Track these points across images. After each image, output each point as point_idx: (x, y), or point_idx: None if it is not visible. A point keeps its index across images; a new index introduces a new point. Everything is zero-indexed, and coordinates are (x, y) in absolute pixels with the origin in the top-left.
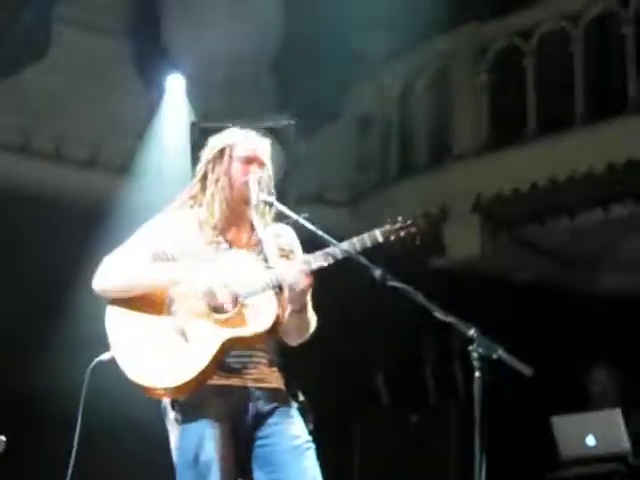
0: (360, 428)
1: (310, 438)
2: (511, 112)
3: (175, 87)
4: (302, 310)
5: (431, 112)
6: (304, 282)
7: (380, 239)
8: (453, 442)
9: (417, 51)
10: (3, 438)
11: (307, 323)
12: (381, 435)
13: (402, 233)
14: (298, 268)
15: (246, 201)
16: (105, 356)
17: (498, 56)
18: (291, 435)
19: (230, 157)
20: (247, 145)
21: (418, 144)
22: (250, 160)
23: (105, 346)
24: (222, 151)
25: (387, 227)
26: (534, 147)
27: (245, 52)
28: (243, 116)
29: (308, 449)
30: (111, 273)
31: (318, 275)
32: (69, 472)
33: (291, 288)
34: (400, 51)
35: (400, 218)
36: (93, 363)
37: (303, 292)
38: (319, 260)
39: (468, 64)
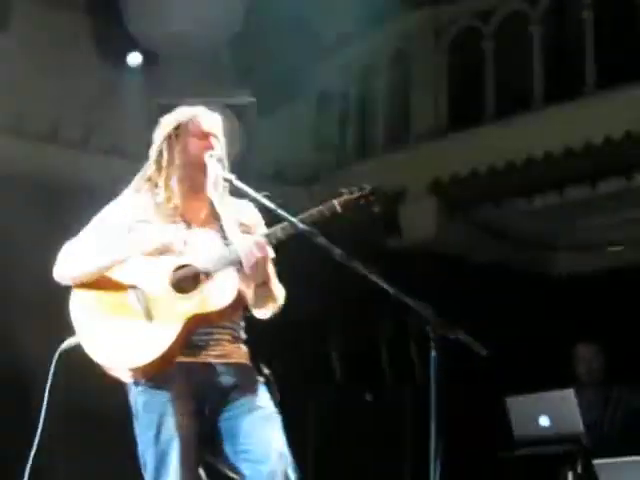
0: (315, 407)
1: (276, 409)
2: (469, 94)
3: (134, 64)
4: (265, 283)
5: (390, 93)
6: (260, 254)
7: (338, 209)
8: (409, 421)
9: (377, 31)
10: None
11: (272, 296)
12: (336, 414)
13: (360, 202)
14: (253, 240)
15: (205, 177)
16: (71, 341)
17: (457, 38)
18: (256, 406)
19: (185, 134)
20: (201, 121)
21: (376, 125)
22: (205, 135)
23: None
24: (176, 129)
25: (345, 197)
26: (491, 129)
27: (205, 29)
28: (202, 93)
29: (274, 419)
30: (67, 262)
31: (276, 251)
32: (29, 462)
33: (247, 260)
34: (360, 31)
35: (357, 187)
36: (59, 349)
37: (260, 265)
38: (278, 233)
39: (427, 45)
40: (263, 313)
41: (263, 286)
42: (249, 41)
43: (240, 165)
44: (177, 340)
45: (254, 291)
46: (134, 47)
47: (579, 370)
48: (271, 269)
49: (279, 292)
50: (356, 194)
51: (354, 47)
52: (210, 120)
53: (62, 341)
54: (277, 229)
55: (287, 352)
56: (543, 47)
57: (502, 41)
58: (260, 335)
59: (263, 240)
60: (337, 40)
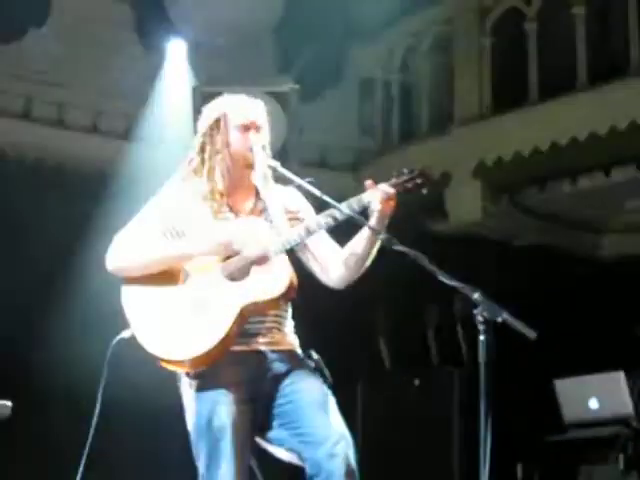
0: (362, 392)
1: (329, 392)
2: (513, 77)
3: (176, 52)
4: (380, 232)
5: (433, 77)
6: (392, 200)
7: (392, 191)
8: (456, 406)
9: (419, 16)
10: (9, 403)
11: (374, 250)
12: (383, 399)
13: (409, 185)
14: (383, 189)
15: (249, 168)
16: (126, 333)
17: (500, 20)
18: (310, 390)
19: (226, 126)
20: (242, 112)
21: (420, 109)
22: (247, 127)
23: (118, 323)
24: (217, 121)
25: (393, 180)
26: (536, 111)
27: (246, 17)
28: (245, 81)
29: (329, 401)
30: (124, 252)
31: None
32: (86, 451)
33: (384, 204)
34: (402, 16)
35: (406, 170)
36: (115, 340)
37: (390, 210)
38: (329, 219)
39: (470, 29)
40: (353, 273)
41: (376, 237)
42: (291, 27)
43: (284, 152)
44: (232, 329)
45: (360, 246)
46: (176, 35)
47: None
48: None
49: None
50: (404, 177)
51: (396, 31)
52: (253, 109)
53: (115, 334)
54: (331, 213)
55: (335, 338)
56: (587, 27)
57: (545, 22)
58: (309, 321)
59: (390, 191)
60: (379, 24)
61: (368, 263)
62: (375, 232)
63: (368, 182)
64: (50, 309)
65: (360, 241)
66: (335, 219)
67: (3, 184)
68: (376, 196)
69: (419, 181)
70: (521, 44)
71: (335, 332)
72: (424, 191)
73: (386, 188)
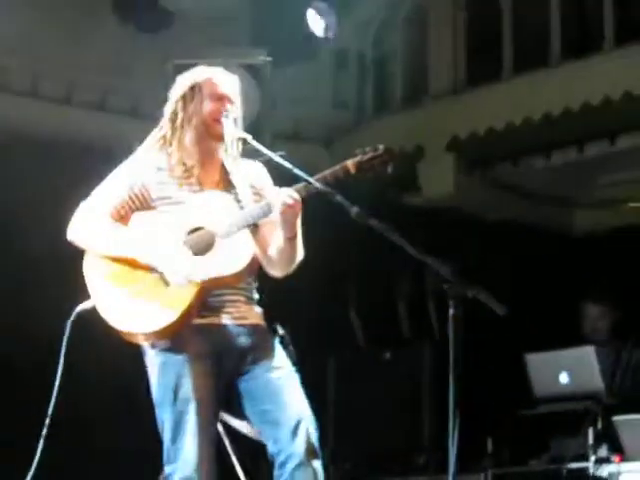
0: (334, 365)
1: (293, 368)
2: (487, 51)
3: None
4: (293, 238)
5: (407, 50)
6: (295, 206)
7: (352, 169)
8: (426, 380)
9: None
10: None
11: (296, 252)
12: (355, 372)
13: (374, 162)
14: (288, 193)
15: (219, 139)
16: (86, 304)
17: None
18: (274, 367)
19: (200, 95)
20: (216, 82)
21: (394, 82)
22: (221, 97)
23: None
24: (192, 89)
25: (358, 157)
26: (510, 86)
27: None
28: (218, 53)
29: (293, 378)
30: (78, 230)
31: None
32: (46, 422)
33: (284, 212)
34: None
35: (371, 148)
36: (74, 313)
37: (294, 217)
38: (300, 192)
39: (444, 2)
40: (280, 271)
41: (290, 241)
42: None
43: (257, 124)
44: (193, 303)
45: (280, 247)
46: (150, 7)
47: (585, 328)
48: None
49: (301, 250)
50: (369, 155)
51: (371, 3)
52: (226, 81)
53: (76, 305)
54: (299, 187)
55: (305, 312)
56: (561, 2)
57: None
58: (278, 296)
59: (297, 194)
60: None
61: (288, 263)
62: (285, 237)
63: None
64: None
65: (277, 243)
66: (301, 193)
67: None
68: (278, 201)
69: (384, 158)
70: (495, 18)
71: (307, 306)
72: (388, 170)
73: (289, 194)
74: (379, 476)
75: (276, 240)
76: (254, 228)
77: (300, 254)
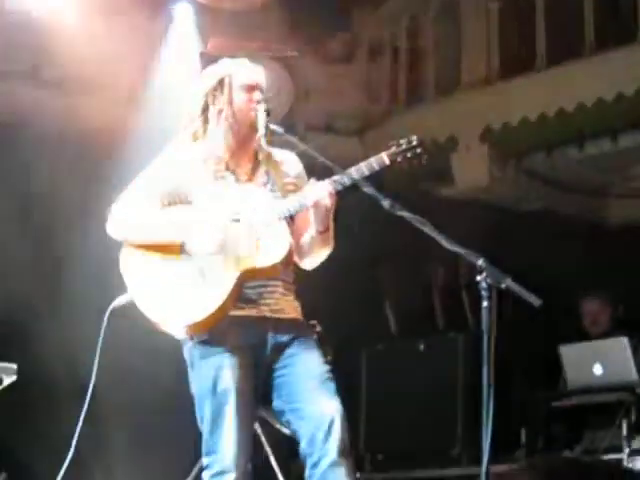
0: (367, 356)
1: (328, 368)
2: (520, 41)
3: (183, 16)
4: (326, 231)
5: (440, 41)
6: (329, 201)
7: (387, 161)
8: (460, 371)
9: None
10: (14, 365)
11: (327, 246)
12: (388, 363)
13: (408, 154)
14: (322, 187)
15: (252, 129)
16: (122, 298)
17: None
18: (310, 365)
19: (230, 86)
20: (246, 73)
21: (427, 73)
22: (252, 88)
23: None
24: (221, 81)
25: (393, 149)
26: (543, 77)
27: None
28: (251, 46)
29: (327, 379)
30: (123, 224)
31: None
32: (82, 416)
33: (317, 206)
34: None
35: (405, 140)
36: (110, 307)
37: (328, 211)
38: (335, 183)
39: None
40: (312, 263)
41: (322, 235)
42: None
43: (290, 117)
44: (230, 295)
45: (313, 239)
46: None
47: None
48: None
49: (332, 243)
50: (404, 146)
51: None
52: (254, 72)
53: (113, 298)
54: (333, 180)
55: (340, 304)
56: None
57: None
58: (313, 288)
59: (331, 188)
60: None
61: (317, 257)
62: (317, 231)
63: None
64: (58, 277)
65: (310, 235)
66: (336, 186)
67: (8, 143)
68: (311, 194)
69: (418, 150)
70: (529, 9)
71: (340, 297)
72: (422, 161)
73: (322, 186)
74: (412, 467)
75: (309, 232)
76: (290, 219)
77: (330, 248)
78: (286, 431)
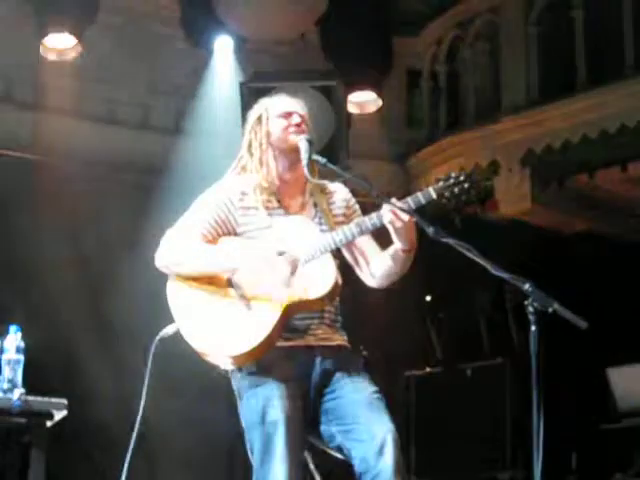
0: (416, 381)
1: (377, 389)
2: (560, 64)
3: (223, 48)
4: (410, 251)
5: (480, 66)
6: (405, 220)
7: (434, 196)
8: (508, 395)
9: (465, 4)
10: (65, 401)
11: (407, 265)
12: (436, 388)
13: (456, 189)
14: (396, 207)
15: (295, 153)
16: (169, 329)
17: (547, 7)
18: (360, 387)
19: (267, 117)
20: (282, 102)
21: (468, 98)
22: (289, 114)
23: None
24: (259, 117)
25: (440, 184)
26: (584, 99)
27: (292, 11)
28: (291, 76)
29: (377, 399)
30: (172, 255)
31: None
32: (131, 447)
33: (395, 226)
34: (448, 5)
35: (453, 174)
36: (157, 337)
37: (409, 229)
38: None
39: (516, 17)
40: (386, 282)
41: (406, 254)
42: (337, 19)
43: (332, 145)
44: (276, 327)
45: (395, 258)
46: (223, 31)
47: None
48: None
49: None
50: (451, 181)
51: (443, 21)
52: (294, 102)
53: (161, 329)
54: (378, 214)
55: (385, 329)
56: (634, 14)
57: (591, 9)
58: (359, 318)
59: (405, 207)
60: (425, 15)
61: (398, 274)
62: (401, 249)
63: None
64: (101, 307)
65: (387, 256)
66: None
67: (56, 182)
68: (387, 215)
69: (466, 185)
70: (568, 31)
71: (385, 322)
72: (471, 197)
73: (398, 207)
74: None
75: (382, 257)
76: (349, 245)
77: (408, 266)
78: (338, 455)
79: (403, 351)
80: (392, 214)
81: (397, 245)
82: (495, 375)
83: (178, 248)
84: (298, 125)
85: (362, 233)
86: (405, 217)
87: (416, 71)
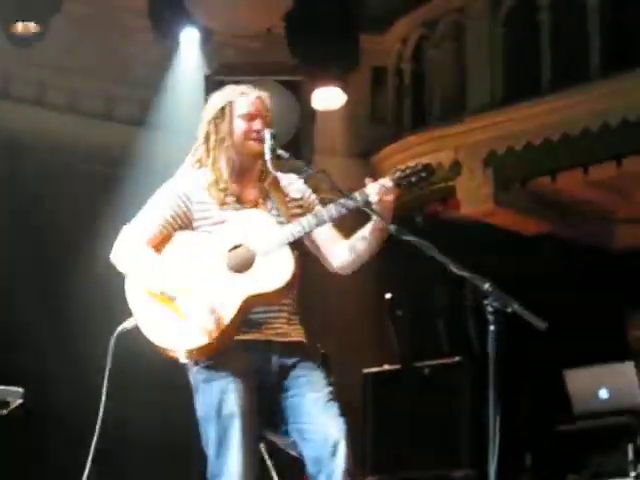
0: (372, 380)
1: (332, 389)
2: (525, 66)
3: (189, 40)
4: (384, 230)
5: (445, 65)
6: (391, 195)
7: (390, 184)
8: (465, 395)
9: (432, 4)
10: (20, 389)
11: (379, 245)
12: (393, 387)
13: (413, 178)
14: (382, 184)
15: (254, 157)
16: (128, 323)
17: (513, 9)
18: (315, 386)
19: (231, 115)
20: (247, 101)
21: (432, 98)
22: (252, 117)
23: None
24: (222, 109)
25: (398, 173)
26: (547, 101)
27: (259, 5)
28: (256, 70)
29: (332, 399)
30: (119, 255)
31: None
32: (94, 441)
33: (381, 195)
34: (414, 4)
35: (409, 164)
36: (117, 331)
37: (391, 206)
38: (339, 209)
39: (482, 18)
40: (352, 267)
41: (382, 232)
42: (303, 15)
43: (296, 140)
44: (234, 320)
45: (366, 239)
46: (189, 23)
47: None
48: None
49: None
50: (409, 171)
51: (409, 19)
52: (256, 99)
53: (119, 324)
54: (337, 204)
55: (346, 328)
56: (600, 17)
57: (558, 11)
58: (317, 315)
59: (390, 183)
60: (392, 13)
61: (371, 253)
62: (379, 225)
63: (368, 178)
64: (59, 296)
65: (365, 233)
66: (344, 209)
67: (19, 170)
68: (374, 190)
69: (423, 175)
70: (533, 33)
71: (344, 320)
72: (426, 185)
73: (385, 182)
74: None
75: (359, 234)
76: (309, 236)
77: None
78: (293, 452)
79: (361, 348)
80: (380, 189)
81: (376, 224)
82: (453, 374)
83: (123, 249)
84: (258, 132)
85: (320, 224)
86: (391, 193)
87: (382, 68)
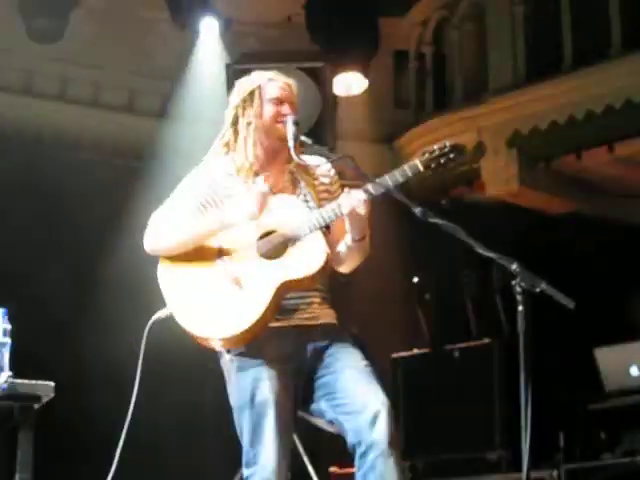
0: (403, 364)
1: (368, 362)
2: (547, 45)
3: (209, 30)
4: (363, 239)
5: (466, 48)
6: (364, 209)
7: (421, 168)
8: (496, 377)
9: None
10: (52, 384)
11: (365, 251)
12: (424, 371)
13: (442, 160)
14: (356, 197)
15: (281, 141)
16: (162, 313)
17: None
18: (350, 361)
19: (260, 99)
20: (276, 86)
21: (454, 80)
22: (281, 101)
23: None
24: (251, 94)
25: (426, 155)
26: (571, 79)
27: None
28: (277, 58)
29: (369, 372)
30: (159, 234)
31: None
32: (124, 430)
33: (352, 215)
34: None
35: (437, 146)
36: (151, 321)
37: (363, 219)
38: (371, 190)
39: None
40: (347, 268)
41: (359, 242)
42: (322, 2)
43: (319, 126)
44: (269, 308)
45: (349, 247)
46: (208, 13)
47: None
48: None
49: (368, 248)
50: (437, 152)
51: (429, 2)
52: (285, 84)
53: (153, 313)
54: (366, 188)
55: (374, 312)
56: None
57: None
58: (346, 300)
59: (365, 196)
60: None
61: (355, 263)
62: (351, 240)
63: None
64: (87, 291)
65: (347, 241)
66: (370, 194)
67: (41, 163)
68: (346, 203)
69: (452, 156)
70: (554, 12)
71: (372, 304)
72: (457, 166)
73: (356, 195)
74: (451, 474)
75: (345, 240)
76: (326, 228)
77: (366, 254)
78: (331, 429)
79: (390, 333)
80: (352, 208)
81: (349, 236)
82: (483, 356)
83: (163, 227)
84: (287, 116)
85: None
86: (363, 209)
87: (402, 52)
